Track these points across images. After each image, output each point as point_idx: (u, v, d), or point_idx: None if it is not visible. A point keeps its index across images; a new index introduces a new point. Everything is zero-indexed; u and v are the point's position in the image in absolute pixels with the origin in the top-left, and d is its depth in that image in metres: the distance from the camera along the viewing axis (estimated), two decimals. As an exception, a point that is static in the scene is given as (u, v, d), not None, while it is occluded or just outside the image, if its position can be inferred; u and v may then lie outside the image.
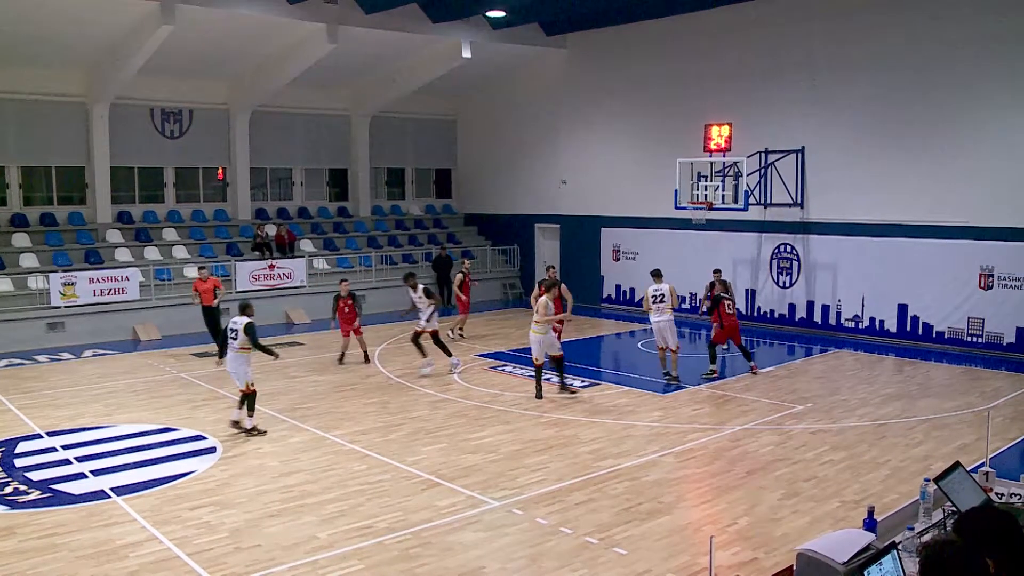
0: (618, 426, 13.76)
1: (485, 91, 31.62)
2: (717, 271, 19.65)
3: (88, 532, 9.55)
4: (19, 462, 12.08)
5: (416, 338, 17.90)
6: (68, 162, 26.04)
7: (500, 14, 24.90)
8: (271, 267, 25.83)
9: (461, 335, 22.41)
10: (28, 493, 10.83)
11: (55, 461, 12.11)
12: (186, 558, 8.81)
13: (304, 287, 26.21)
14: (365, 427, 13.86)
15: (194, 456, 12.42)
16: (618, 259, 27.76)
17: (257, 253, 26.48)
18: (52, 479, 11.33)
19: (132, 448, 12.86)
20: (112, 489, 10.91)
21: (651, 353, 18.98)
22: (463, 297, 22.75)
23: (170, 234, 26.89)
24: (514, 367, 18.40)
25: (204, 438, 13.32)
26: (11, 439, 13.32)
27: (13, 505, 10.43)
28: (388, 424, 14.05)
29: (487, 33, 26.57)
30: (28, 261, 23.81)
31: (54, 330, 22.02)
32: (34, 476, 11.49)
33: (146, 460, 12.21)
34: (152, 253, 25.68)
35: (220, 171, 28.97)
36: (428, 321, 17.84)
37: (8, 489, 10.95)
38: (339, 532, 9.46)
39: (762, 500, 10.33)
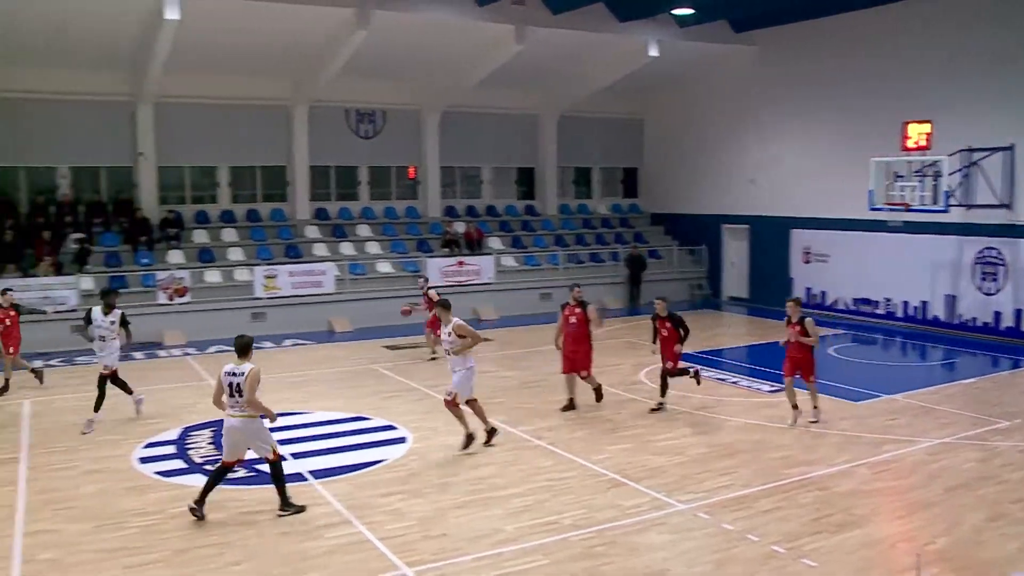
0: (808, 433, 13.31)
1: (672, 89, 31.25)
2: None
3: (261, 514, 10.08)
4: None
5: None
6: (271, 162, 27.54)
7: (688, 11, 24.56)
8: (460, 264, 26.46)
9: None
10: (234, 471, 11.49)
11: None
12: (377, 542, 9.14)
13: (492, 284, 26.69)
14: (551, 423, 13.97)
15: (386, 445, 12.87)
16: (808, 261, 26.85)
17: (447, 250, 27.19)
18: (256, 460, 11.96)
19: (328, 435, 13.49)
20: (310, 472, 11.45)
21: (844, 360, 18.29)
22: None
23: (364, 230, 28.00)
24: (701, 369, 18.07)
25: (395, 428, 13.77)
26: (220, 420, 14.15)
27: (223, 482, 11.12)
28: (574, 421, 14.11)
29: (674, 31, 26.27)
30: (235, 255, 25.36)
31: (257, 320, 23.30)
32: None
33: (341, 447, 12.77)
34: (347, 248, 26.78)
35: (411, 170, 29.90)
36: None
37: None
38: (524, 526, 9.57)
39: (964, 520, 9.72)
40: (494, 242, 29.06)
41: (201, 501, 9.91)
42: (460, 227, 28.45)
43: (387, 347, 21.31)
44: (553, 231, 30.85)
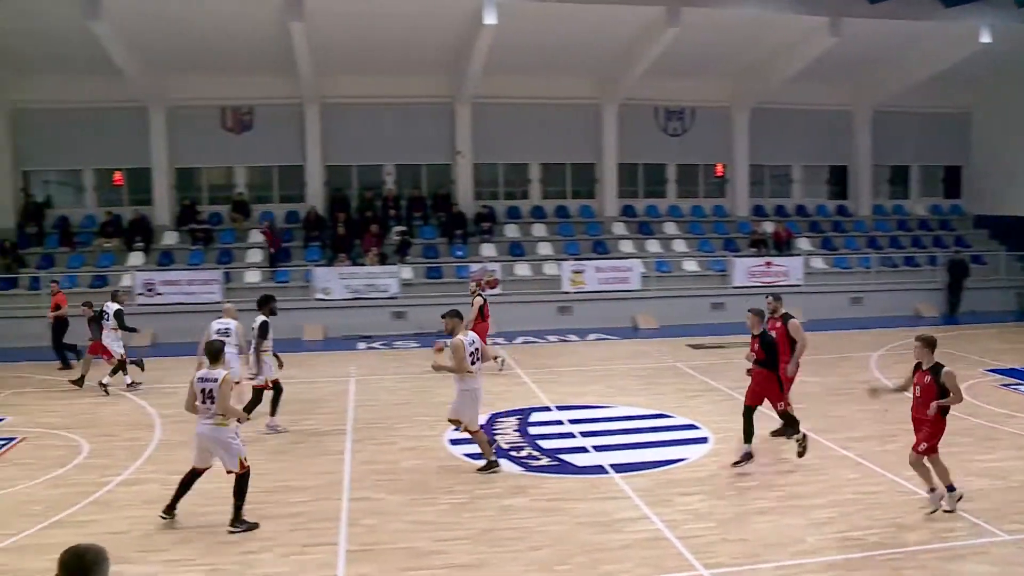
0: None
1: (1008, 79, 28.24)
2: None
3: (588, 502, 10.17)
4: (532, 430, 13.26)
5: None
6: (581, 159, 28.10)
7: (1029, -9, 22.21)
8: (768, 264, 25.67)
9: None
10: (539, 459, 11.85)
11: (562, 433, 13.06)
12: (675, 540, 9.00)
13: (800, 286, 25.61)
14: (860, 434, 13.17)
15: (687, 444, 12.69)
16: None
17: (754, 249, 26.48)
18: (559, 449, 12.28)
19: (630, 430, 13.50)
20: (611, 465, 11.51)
21: None
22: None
23: (670, 228, 27.89)
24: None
25: (697, 427, 13.55)
26: (526, 408, 14.69)
27: (527, 467, 11.52)
28: (885, 433, 13.19)
29: (1010, 13, 23.74)
30: (544, 249, 26.13)
31: (563, 313, 23.88)
32: (544, 444, 12.54)
33: (642, 443, 12.73)
34: (653, 246, 26.79)
35: (719, 168, 29.38)
36: None
37: (523, 453, 12.09)
38: (827, 539, 9.07)
39: None
40: (803, 243, 27.92)
41: (172, 507, 9.68)
42: (768, 227, 27.61)
43: (691, 346, 21.07)
44: (866, 232, 29.12)
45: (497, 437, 13.03)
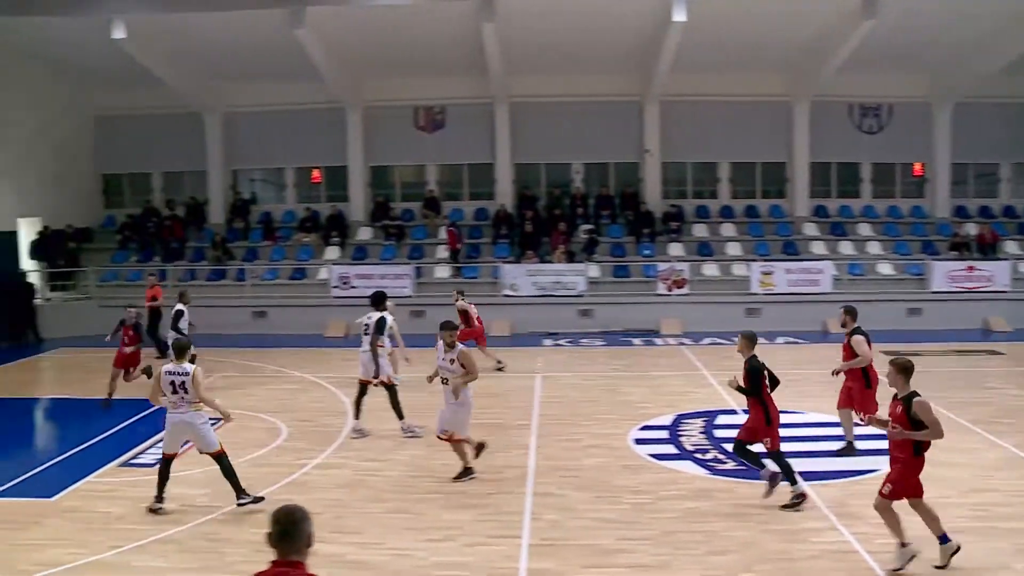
0: None
1: None
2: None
3: (774, 510, 9.98)
4: (718, 433, 13.13)
5: None
6: (771, 158, 27.46)
7: None
8: (970, 269, 24.26)
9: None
10: (724, 462, 11.73)
11: (749, 438, 12.85)
12: (865, 554, 8.74)
13: (1007, 292, 24.09)
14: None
15: (880, 454, 12.16)
16: None
17: (955, 253, 25.10)
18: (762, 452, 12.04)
19: (819, 437, 13.14)
20: (799, 473, 11.22)
21: None
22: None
23: (864, 229, 26.86)
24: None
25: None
26: (712, 411, 14.56)
27: (712, 470, 11.47)
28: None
29: None
30: (733, 250, 25.73)
31: (751, 315, 23.44)
32: (731, 448, 12.33)
33: (833, 451, 12.35)
34: (846, 248, 25.89)
35: (918, 167, 28.02)
36: None
37: (708, 455, 12.02)
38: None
39: None
40: (1011, 246, 26.14)
41: (159, 498, 10.18)
42: (972, 229, 26.09)
43: (885, 352, 20.17)
44: (1082, 235, 27.04)
45: (682, 438, 12.97)
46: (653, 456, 12.03)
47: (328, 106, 26.99)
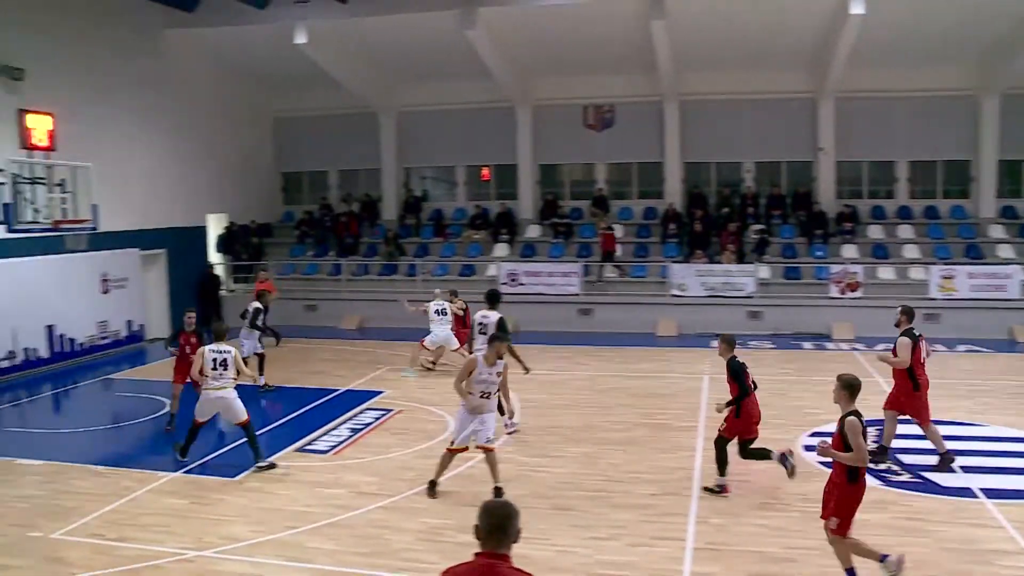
0: None
1: None
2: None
3: (954, 526, 9.58)
4: (894, 443, 12.60)
5: None
6: (954, 156, 26.14)
7: None
8: None
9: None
10: (900, 474, 11.32)
11: (925, 449, 12.29)
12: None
13: None
14: None
15: (1073, 472, 11.52)
16: None
17: None
18: (922, 466, 11.61)
19: (1004, 452, 12.47)
20: (981, 489, 10.71)
21: None
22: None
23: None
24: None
25: (1086, 455, 12.26)
26: (879, 419, 13.95)
27: (886, 481, 11.07)
28: None
29: None
30: (910, 252, 24.66)
31: (929, 321, 22.22)
32: (906, 459, 11.91)
33: (1019, 468, 11.73)
34: (1037, 251, 24.36)
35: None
36: None
37: (882, 466, 11.55)
38: None
39: None
40: None
41: (185, 450, 12.21)
42: None
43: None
44: None
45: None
46: (824, 464, 11.69)
47: (498, 105, 27.45)
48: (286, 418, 15.01)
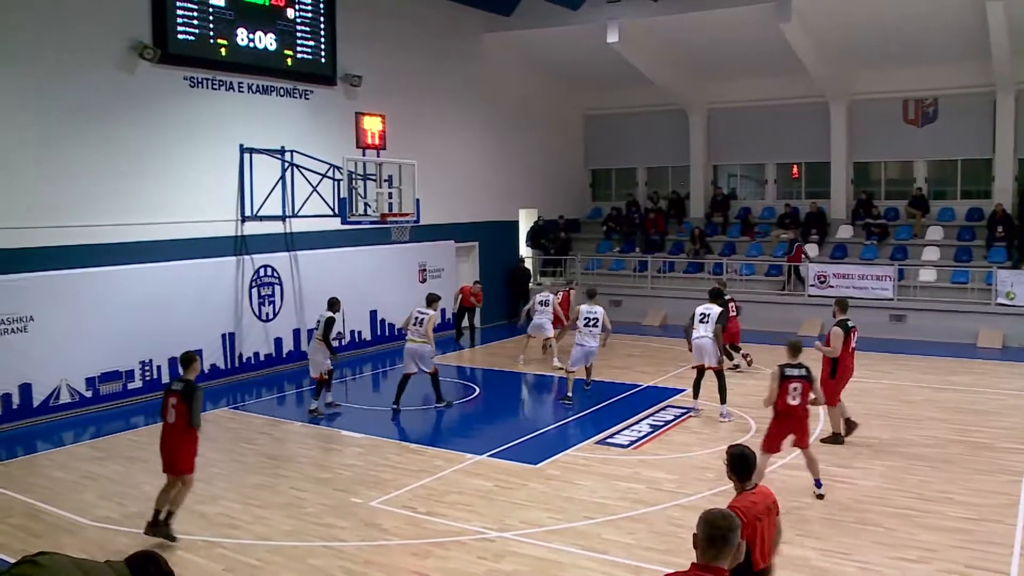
0: None
1: None
2: None
3: None
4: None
5: None
6: None
7: None
8: None
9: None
10: None
11: None
12: None
13: None
14: None
15: None
16: None
17: None
18: None
19: None
20: None
21: None
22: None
23: None
24: None
25: None
26: None
27: None
28: None
29: None
30: None
31: None
32: None
33: None
34: None
35: None
36: None
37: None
38: None
39: None
40: None
41: (397, 400, 15.01)
42: None
43: None
44: None
45: None
46: None
47: (810, 100, 26.43)
48: (588, 411, 15.33)
